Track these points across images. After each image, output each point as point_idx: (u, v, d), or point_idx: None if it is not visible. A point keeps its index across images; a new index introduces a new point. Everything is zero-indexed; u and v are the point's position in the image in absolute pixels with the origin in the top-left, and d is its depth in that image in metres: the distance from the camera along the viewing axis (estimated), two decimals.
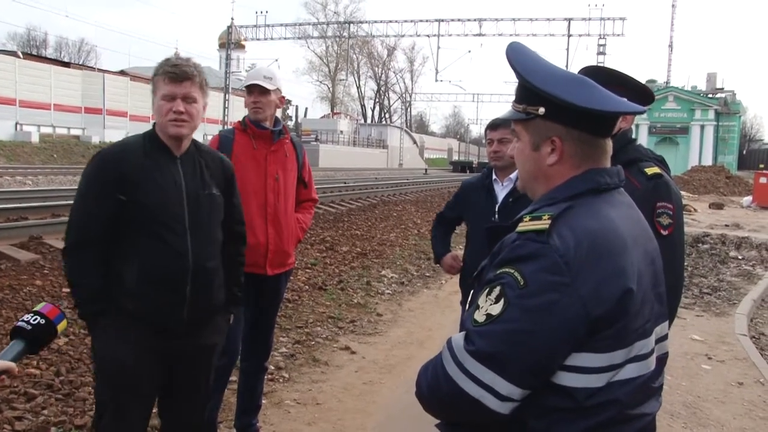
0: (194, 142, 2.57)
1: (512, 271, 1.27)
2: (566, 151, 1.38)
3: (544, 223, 1.29)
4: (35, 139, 31.05)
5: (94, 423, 2.46)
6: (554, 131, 1.38)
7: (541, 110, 1.37)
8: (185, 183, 2.45)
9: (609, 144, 1.42)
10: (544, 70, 1.38)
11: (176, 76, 2.37)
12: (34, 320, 1.73)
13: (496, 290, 1.28)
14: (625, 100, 1.44)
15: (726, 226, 15.65)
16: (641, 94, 2.42)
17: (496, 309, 1.26)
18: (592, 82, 1.36)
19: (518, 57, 1.41)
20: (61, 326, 1.78)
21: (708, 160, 50.20)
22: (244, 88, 3.43)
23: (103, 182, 2.38)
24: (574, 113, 1.33)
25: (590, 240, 1.27)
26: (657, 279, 1.41)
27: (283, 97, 3.47)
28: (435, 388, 1.34)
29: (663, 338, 1.46)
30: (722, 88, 58.28)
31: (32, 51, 54.82)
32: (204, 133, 44.46)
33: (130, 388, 2.39)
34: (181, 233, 2.40)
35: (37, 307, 1.78)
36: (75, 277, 2.40)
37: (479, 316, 1.29)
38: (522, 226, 1.33)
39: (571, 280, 1.23)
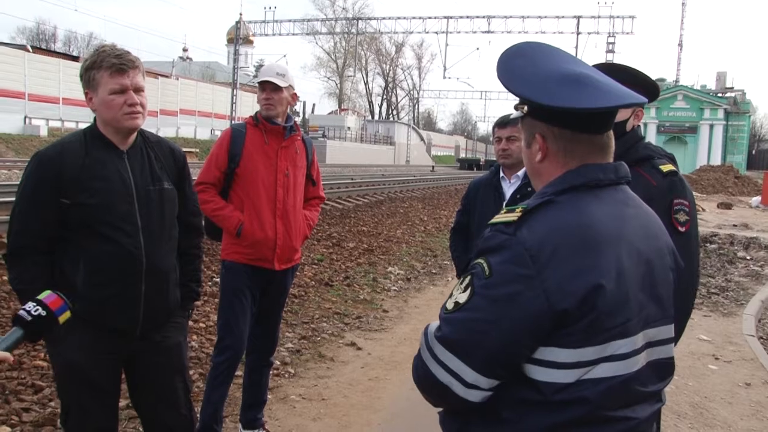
0: (141, 133, 2.43)
1: (481, 261, 1.30)
2: (549, 148, 1.39)
3: (513, 216, 1.31)
4: (44, 132, 31.17)
5: (62, 421, 2.41)
6: (538, 128, 1.40)
7: (525, 109, 1.41)
8: (133, 178, 2.33)
9: (602, 139, 1.39)
10: (519, 71, 1.38)
11: (123, 67, 2.23)
12: (35, 311, 1.70)
13: (467, 280, 1.31)
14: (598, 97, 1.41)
15: (734, 226, 15.55)
16: (648, 92, 2.40)
17: (463, 297, 1.30)
18: (579, 79, 1.33)
19: (501, 62, 1.42)
20: (64, 317, 1.74)
21: (717, 160, 49.95)
22: (255, 84, 3.42)
23: (41, 187, 2.25)
24: (548, 110, 1.35)
25: (561, 234, 1.27)
26: (653, 279, 1.37)
27: (296, 94, 3.47)
28: (416, 374, 1.39)
29: (660, 342, 1.40)
30: (732, 87, 58.01)
31: (41, 45, 55.03)
32: (212, 128, 44.70)
33: (89, 390, 2.32)
34: (132, 232, 2.29)
35: (41, 296, 1.73)
36: (20, 285, 2.27)
37: (449, 304, 1.33)
38: (495, 219, 1.36)
39: (536, 272, 1.24)
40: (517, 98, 1.41)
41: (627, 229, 1.36)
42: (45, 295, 1.74)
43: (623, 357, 1.30)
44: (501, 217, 1.34)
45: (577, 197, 1.34)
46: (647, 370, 1.36)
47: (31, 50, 35.36)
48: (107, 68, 2.23)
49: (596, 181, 1.36)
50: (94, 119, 2.36)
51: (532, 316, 1.24)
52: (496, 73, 1.41)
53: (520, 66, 1.40)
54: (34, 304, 1.71)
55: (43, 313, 1.70)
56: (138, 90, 2.28)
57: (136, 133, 2.39)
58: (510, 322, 1.25)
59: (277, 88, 3.31)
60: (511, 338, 1.25)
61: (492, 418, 1.33)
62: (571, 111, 1.32)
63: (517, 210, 1.32)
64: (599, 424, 1.30)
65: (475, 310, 1.27)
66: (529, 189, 3.21)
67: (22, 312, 1.70)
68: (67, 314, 1.75)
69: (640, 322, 1.33)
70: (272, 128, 3.37)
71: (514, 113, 1.50)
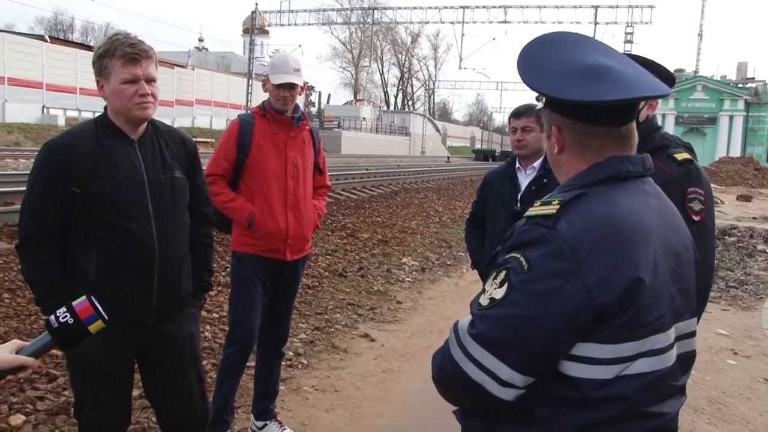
0: (152, 122, 2.41)
1: (518, 255, 1.26)
2: (565, 140, 1.37)
3: (551, 208, 1.27)
4: (61, 122, 31.42)
5: (75, 413, 2.41)
6: (554, 120, 1.39)
7: (544, 100, 1.39)
8: (145, 167, 2.31)
9: (621, 132, 1.36)
10: (535, 61, 1.36)
11: (136, 57, 2.21)
12: (63, 317, 1.63)
13: (502, 274, 1.27)
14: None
15: (754, 218, 15.37)
16: (663, 80, 2.35)
17: (499, 293, 1.25)
18: (597, 71, 1.29)
19: (524, 51, 1.40)
20: (95, 326, 1.65)
21: (736, 152, 49.33)
22: (267, 75, 3.36)
23: (52, 176, 2.23)
24: (562, 103, 1.33)
25: (600, 227, 1.24)
26: (681, 273, 1.36)
27: (306, 83, 3.43)
28: (443, 372, 1.35)
29: (688, 335, 1.40)
30: (753, 78, 57.07)
31: (59, 35, 55.40)
32: (227, 118, 44.82)
33: (103, 381, 2.32)
34: (144, 221, 2.28)
35: (75, 302, 1.66)
36: (32, 274, 2.28)
37: (483, 300, 1.29)
38: (531, 211, 1.32)
39: (576, 266, 1.20)
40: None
41: (657, 221, 1.34)
42: (78, 301, 1.66)
43: (660, 352, 1.29)
44: (538, 210, 1.30)
45: (608, 189, 1.31)
46: (677, 364, 1.35)
47: (49, 40, 35.58)
48: (120, 57, 2.21)
49: (626, 173, 1.33)
50: (105, 108, 2.34)
51: (572, 312, 1.20)
52: (516, 63, 1.38)
53: (540, 57, 1.37)
54: (64, 310, 1.64)
55: (71, 321, 1.63)
56: (150, 80, 2.26)
57: (146, 123, 2.37)
58: (550, 318, 1.21)
59: (294, 86, 3.28)
60: (551, 334, 1.22)
61: (524, 416, 1.29)
62: (582, 104, 1.29)
63: (554, 202, 1.29)
64: (635, 421, 1.28)
65: (514, 305, 1.23)
66: (545, 180, 3.16)
67: (51, 317, 1.64)
68: (99, 324, 1.66)
69: (672, 316, 1.31)
70: (280, 118, 3.33)
71: (539, 105, 1.48)
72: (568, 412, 1.26)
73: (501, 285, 1.26)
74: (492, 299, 1.26)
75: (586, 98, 1.27)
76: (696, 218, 2.25)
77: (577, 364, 1.25)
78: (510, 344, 1.23)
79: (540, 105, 1.46)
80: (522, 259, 1.24)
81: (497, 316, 1.24)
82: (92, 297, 1.68)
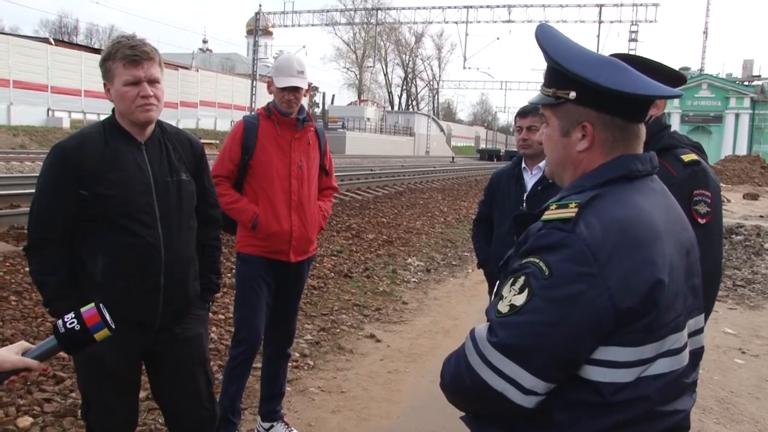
0: (159, 124, 2.42)
1: (537, 260, 1.23)
2: (597, 137, 1.33)
3: (570, 212, 1.25)
4: (66, 124, 31.51)
5: (83, 414, 2.42)
6: (585, 116, 1.33)
7: (572, 94, 1.32)
8: (152, 170, 2.32)
9: (642, 129, 1.36)
10: (575, 52, 1.33)
11: (137, 58, 2.20)
12: (71, 323, 1.63)
13: (521, 280, 1.24)
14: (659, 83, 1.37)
15: (761, 217, 15.29)
16: (673, 79, 2.33)
17: (519, 300, 1.23)
18: (624, 65, 1.30)
19: (548, 39, 1.36)
20: (101, 335, 1.66)
21: (743, 150, 49.15)
22: (272, 77, 3.37)
23: (61, 179, 2.24)
24: (606, 97, 1.28)
25: (618, 229, 1.22)
26: (691, 270, 1.35)
27: (310, 84, 3.43)
28: (458, 380, 1.32)
29: (697, 332, 1.40)
30: (759, 76, 56.81)
31: (64, 38, 55.69)
32: (232, 120, 44.90)
33: (110, 383, 2.33)
34: (151, 224, 2.28)
35: (83, 308, 1.66)
36: (40, 276, 2.28)
37: (503, 307, 1.26)
38: (548, 215, 1.29)
39: (597, 270, 1.18)
40: (567, 81, 1.32)
41: (669, 220, 1.32)
42: (86, 308, 1.67)
43: (677, 351, 1.28)
44: (555, 213, 1.27)
45: (620, 190, 1.30)
46: (689, 361, 1.34)
47: (53, 43, 35.70)
48: (121, 59, 2.21)
49: (635, 172, 1.32)
50: (113, 110, 2.34)
51: (595, 317, 1.19)
52: (549, 53, 1.33)
53: (576, 47, 1.34)
54: (72, 315, 1.65)
55: (78, 327, 1.63)
56: (152, 82, 2.25)
57: (154, 125, 2.37)
58: (573, 324, 1.19)
59: (298, 89, 3.28)
60: (574, 340, 1.20)
61: (543, 421, 1.27)
62: (633, 97, 1.27)
63: (571, 205, 1.26)
64: (653, 421, 1.27)
65: (535, 312, 1.20)
66: (551, 180, 3.14)
67: (58, 322, 1.65)
68: (104, 332, 1.66)
69: (684, 313, 1.30)
70: (285, 120, 3.34)
71: (538, 98, 1.41)
72: (588, 416, 1.24)
73: (521, 291, 1.23)
74: (512, 306, 1.23)
75: (647, 93, 1.25)
76: (701, 221, 2.21)
77: (598, 367, 1.23)
78: (532, 351, 1.21)
79: (549, 99, 1.38)
80: (542, 264, 1.22)
81: (518, 323, 1.22)
82: (101, 305, 1.68)
